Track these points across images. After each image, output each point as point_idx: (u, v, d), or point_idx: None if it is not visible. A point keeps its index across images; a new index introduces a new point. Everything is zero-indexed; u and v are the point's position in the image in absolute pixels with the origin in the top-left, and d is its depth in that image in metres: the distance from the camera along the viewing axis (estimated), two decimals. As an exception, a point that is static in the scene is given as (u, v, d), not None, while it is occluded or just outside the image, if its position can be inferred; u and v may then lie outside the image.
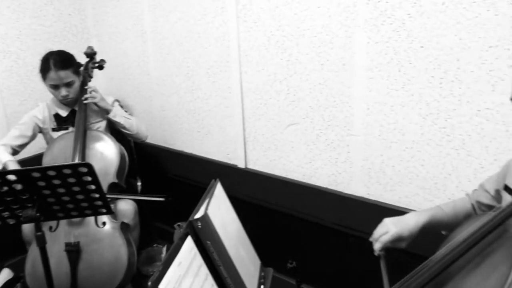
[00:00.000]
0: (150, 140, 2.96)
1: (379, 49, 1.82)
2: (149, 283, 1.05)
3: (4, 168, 2.30)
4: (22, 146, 2.49)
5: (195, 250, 1.25)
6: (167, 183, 2.98)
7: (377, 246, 1.35)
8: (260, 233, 2.38)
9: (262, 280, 1.50)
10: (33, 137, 2.52)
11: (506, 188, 1.28)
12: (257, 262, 1.58)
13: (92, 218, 2.24)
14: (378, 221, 1.97)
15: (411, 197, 1.88)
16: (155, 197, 2.29)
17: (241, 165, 2.51)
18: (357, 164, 2.03)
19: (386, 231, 1.33)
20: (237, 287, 1.32)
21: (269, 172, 2.41)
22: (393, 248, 1.35)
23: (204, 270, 1.26)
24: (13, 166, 2.30)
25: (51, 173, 1.64)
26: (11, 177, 1.64)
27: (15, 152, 2.45)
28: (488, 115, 1.61)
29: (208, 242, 1.28)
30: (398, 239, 1.32)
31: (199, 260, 1.26)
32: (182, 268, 1.17)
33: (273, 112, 2.28)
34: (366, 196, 2.03)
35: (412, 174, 1.86)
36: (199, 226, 1.27)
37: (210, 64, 2.49)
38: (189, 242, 1.24)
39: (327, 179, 2.17)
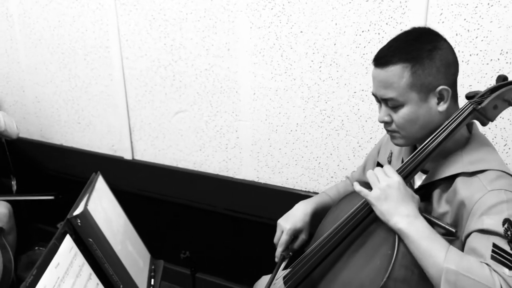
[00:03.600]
0: (25, 134, 2.70)
1: (262, 34, 1.84)
2: (21, 290, 0.95)
3: None
4: None
5: (75, 249, 1.16)
6: (46, 180, 2.74)
7: (278, 250, 1.35)
8: (151, 226, 2.32)
9: (152, 273, 1.45)
10: None
11: (378, 164, 1.37)
12: (146, 255, 1.52)
13: (-44, 225, 1.99)
14: (269, 203, 2.03)
15: (298, 177, 1.95)
16: (43, 196, 2.09)
17: (127, 156, 2.40)
18: (246, 149, 2.04)
19: (281, 231, 1.35)
20: (125, 283, 1.25)
21: (158, 162, 2.33)
22: (301, 248, 1.36)
23: (87, 269, 1.18)
24: None
25: None
26: None
27: None
28: (363, 96, 1.71)
29: (90, 240, 1.19)
30: (295, 233, 1.34)
31: (80, 259, 1.16)
32: (61, 269, 1.07)
33: (159, 100, 2.20)
34: (256, 180, 2.06)
35: (297, 155, 1.92)
36: (79, 224, 1.17)
37: (88, 50, 2.32)
38: (68, 242, 1.14)
39: (218, 165, 2.16)
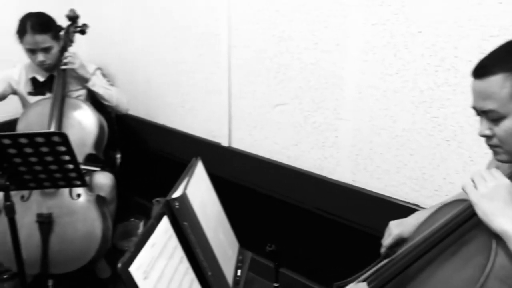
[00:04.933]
0: (132, 112, 2.86)
1: (376, 31, 1.74)
2: (119, 265, 0.98)
3: None
4: None
5: (171, 231, 1.19)
6: (147, 156, 2.90)
7: (382, 250, 1.38)
8: (240, 215, 2.33)
9: (239, 264, 1.45)
10: (3, 96, 2.41)
11: None
12: (235, 245, 1.53)
13: (66, 190, 2.16)
14: (363, 208, 1.95)
15: (398, 186, 1.84)
16: (90, 167, 2.29)
17: (224, 143, 2.44)
18: (345, 149, 1.97)
19: (388, 234, 1.36)
20: (214, 271, 1.26)
21: (253, 152, 2.34)
22: None
23: (179, 252, 1.20)
24: None
25: (23, 140, 1.55)
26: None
27: None
28: (483, 107, 1.56)
29: (185, 223, 1.22)
30: (400, 240, 1.34)
31: (174, 241, 1.19)
32: (156, 249, 1.11)
33: (261, 91, 2.20)
34: (352, 183, 1.98)
35: (400, 163, 1.81)
36: (177, 206, 1.20)
37: (198, 36, 2.38)
38: (164, 223, 1.17)
39: (313, 163, 2.11)
